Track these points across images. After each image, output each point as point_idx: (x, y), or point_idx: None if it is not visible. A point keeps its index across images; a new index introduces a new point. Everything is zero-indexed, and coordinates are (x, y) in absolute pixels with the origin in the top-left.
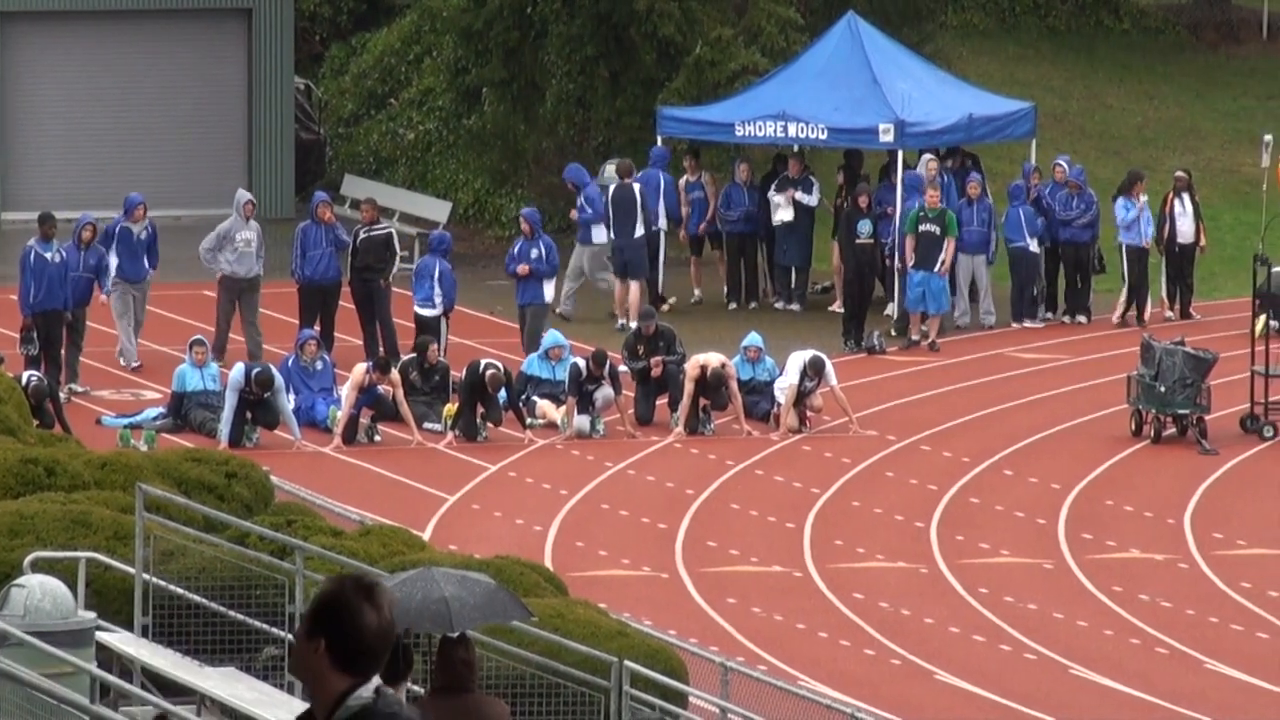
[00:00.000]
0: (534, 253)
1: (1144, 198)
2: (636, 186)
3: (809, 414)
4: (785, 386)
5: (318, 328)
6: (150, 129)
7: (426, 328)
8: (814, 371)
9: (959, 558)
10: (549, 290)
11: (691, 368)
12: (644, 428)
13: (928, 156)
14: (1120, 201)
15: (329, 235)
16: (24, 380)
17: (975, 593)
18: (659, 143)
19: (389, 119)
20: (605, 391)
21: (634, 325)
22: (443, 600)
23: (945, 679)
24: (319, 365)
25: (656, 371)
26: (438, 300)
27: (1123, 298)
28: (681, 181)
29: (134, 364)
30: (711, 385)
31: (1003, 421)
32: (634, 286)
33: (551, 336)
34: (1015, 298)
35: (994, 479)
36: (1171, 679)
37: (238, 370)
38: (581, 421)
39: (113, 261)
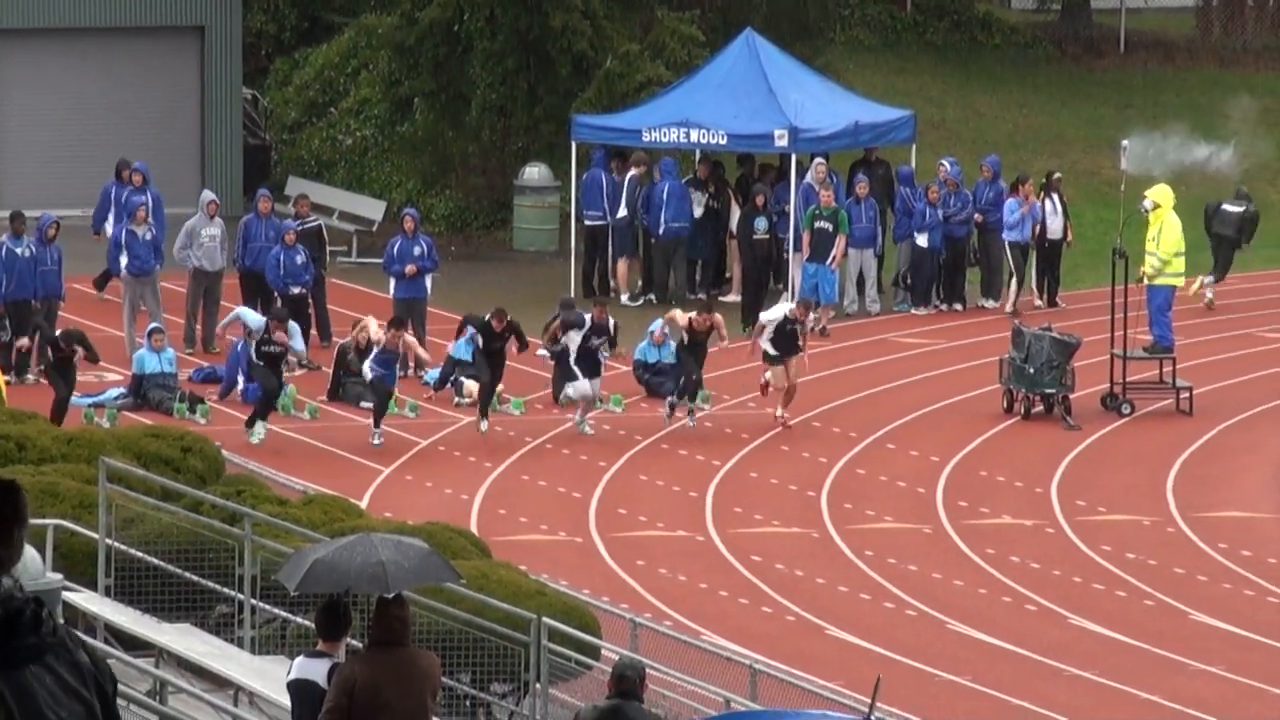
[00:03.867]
0: (416, 250)
1: (1031, 198)
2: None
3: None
4: (767, 320)
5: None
6: (113, 135)
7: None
8: (804, 309)
9: (847, 524)
10: (429, 285)
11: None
12: (556, 407)
13: (819, 161)
14: (1009, 202)
15: (269, 228)
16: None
17: (862, 555)
18: (573, 148)
19: (329, 126)
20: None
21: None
22: (380, 563)
23: (835, 634)
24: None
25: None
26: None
27: (1011, 289)
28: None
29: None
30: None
31: (887, 400)
32: (623, 264)
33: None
34: (901, 287)
35: (879, 452)
36: (1039, 633)
37: (251, 318)
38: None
39: (123, 260)
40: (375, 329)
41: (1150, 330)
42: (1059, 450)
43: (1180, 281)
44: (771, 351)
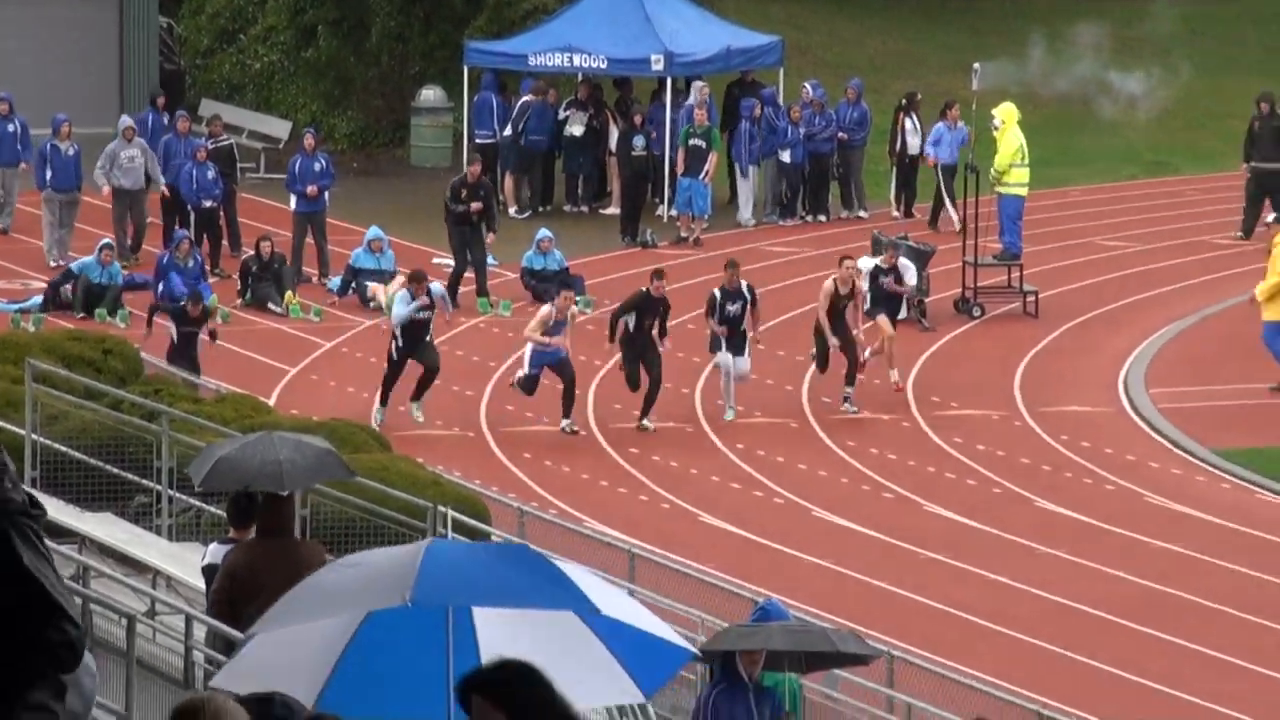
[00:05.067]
0: (316, 166)
1: (960, 123)
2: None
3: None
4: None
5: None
6: (37, 63)
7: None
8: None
9: (719, 419)
10: (327, 198)
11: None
12: (456, 312)
13: (699, 84)
14: (937, 126)
15: (188, 146)
16: None
17: (733, 448)
18: (464, 72)
19: (239, 52)
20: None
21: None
22: (277, 463)
23: (709, 520)
24: (190, 263)
25: (475, 207)
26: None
27: (949, 204)
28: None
29: (54, 263)
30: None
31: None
32: (510, 178)
33: (372, 230)
34: (769, 201)
35: (753, 353)
36: (895, 518)
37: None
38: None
39: (47, 174)
40: (546, 309)
41: (1000, 239)
42: (915, 350)
43: (1024, 192)
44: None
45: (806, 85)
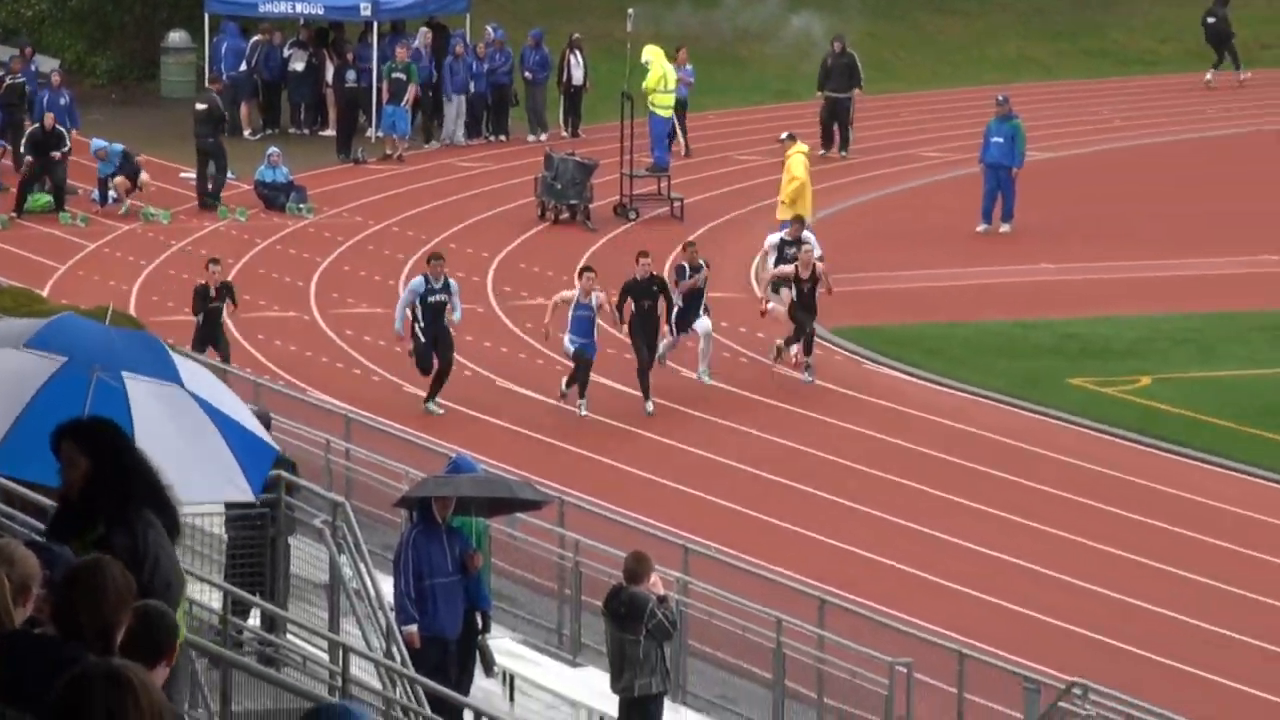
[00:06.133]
0: (62, 100)
1: (688, 65)
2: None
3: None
4: (769, 245)
5: None
6: None
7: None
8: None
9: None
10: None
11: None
12: (208, 210)
13: (424, 30)
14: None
15: None
16: None
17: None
18: (205, 18)
19: (13, 1)
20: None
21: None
22: None
23: (410, 389)
24: None
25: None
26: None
27: (680, 134)
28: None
29: None
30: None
31: (450, 210)
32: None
33: (96, 143)
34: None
35: (444, 249)
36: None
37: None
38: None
39: None
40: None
41: (651, 153)
42: (581, 247)
43: (669, 114)
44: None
45: (489, 27)
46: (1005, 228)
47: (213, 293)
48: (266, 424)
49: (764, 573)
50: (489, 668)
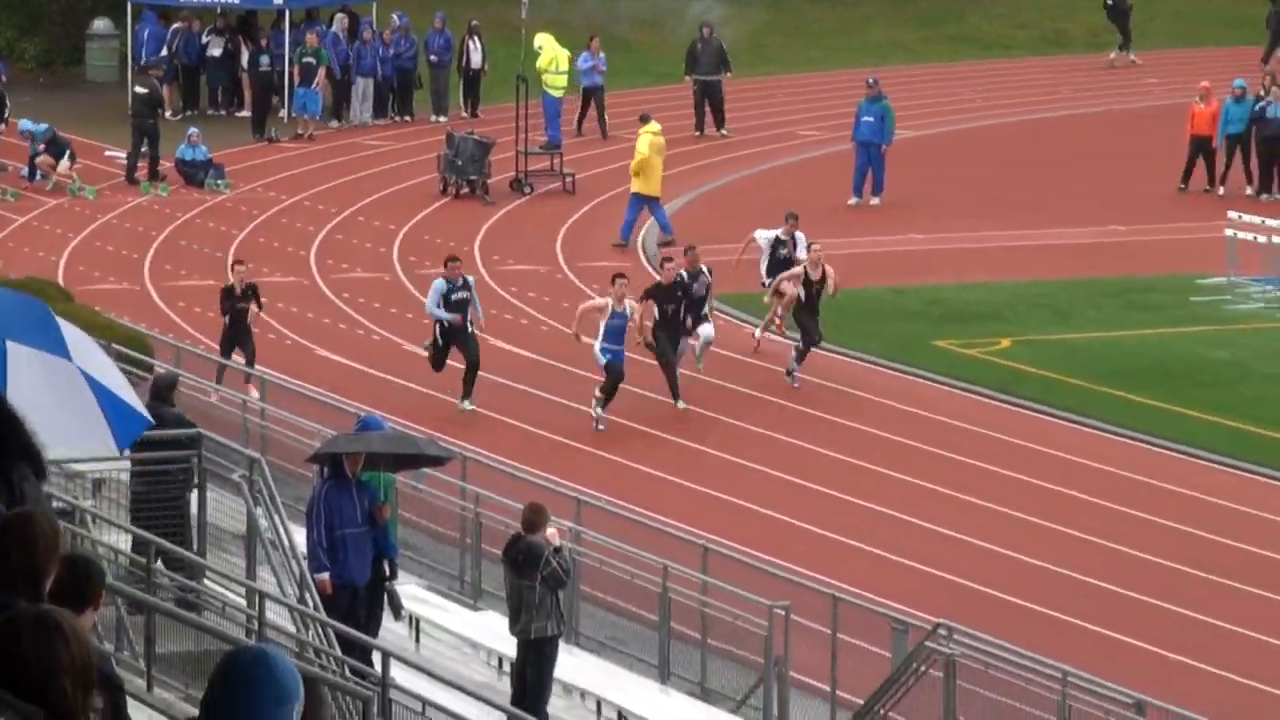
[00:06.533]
0: None
1: (601, 53)
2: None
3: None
4: (763, 240)
5: None
6: None
7: None
8: (787, 235)
9: (330, 274)
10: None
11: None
12: (131, 186)
13: (340, 15)
14: (583, 54)
15: None
16: None
17: (340, 297)
18: (129, 6)
19: None
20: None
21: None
22: None
23: (325, 354)
24: None
25: None
26: None
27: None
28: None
29: None
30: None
31: (358, 186)
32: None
33: (22, 123)
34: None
35: (353, 222)
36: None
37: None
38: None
39: None
40: (599, 300)
41: (546, 131)
42: (480, 220)
43: (560, 94)
44: (765, 280)
45: (395, 15)
46: (875, 201)
47: (238, 293)
48: (172, 386)
49: (651, 523)
50: (396, 611)
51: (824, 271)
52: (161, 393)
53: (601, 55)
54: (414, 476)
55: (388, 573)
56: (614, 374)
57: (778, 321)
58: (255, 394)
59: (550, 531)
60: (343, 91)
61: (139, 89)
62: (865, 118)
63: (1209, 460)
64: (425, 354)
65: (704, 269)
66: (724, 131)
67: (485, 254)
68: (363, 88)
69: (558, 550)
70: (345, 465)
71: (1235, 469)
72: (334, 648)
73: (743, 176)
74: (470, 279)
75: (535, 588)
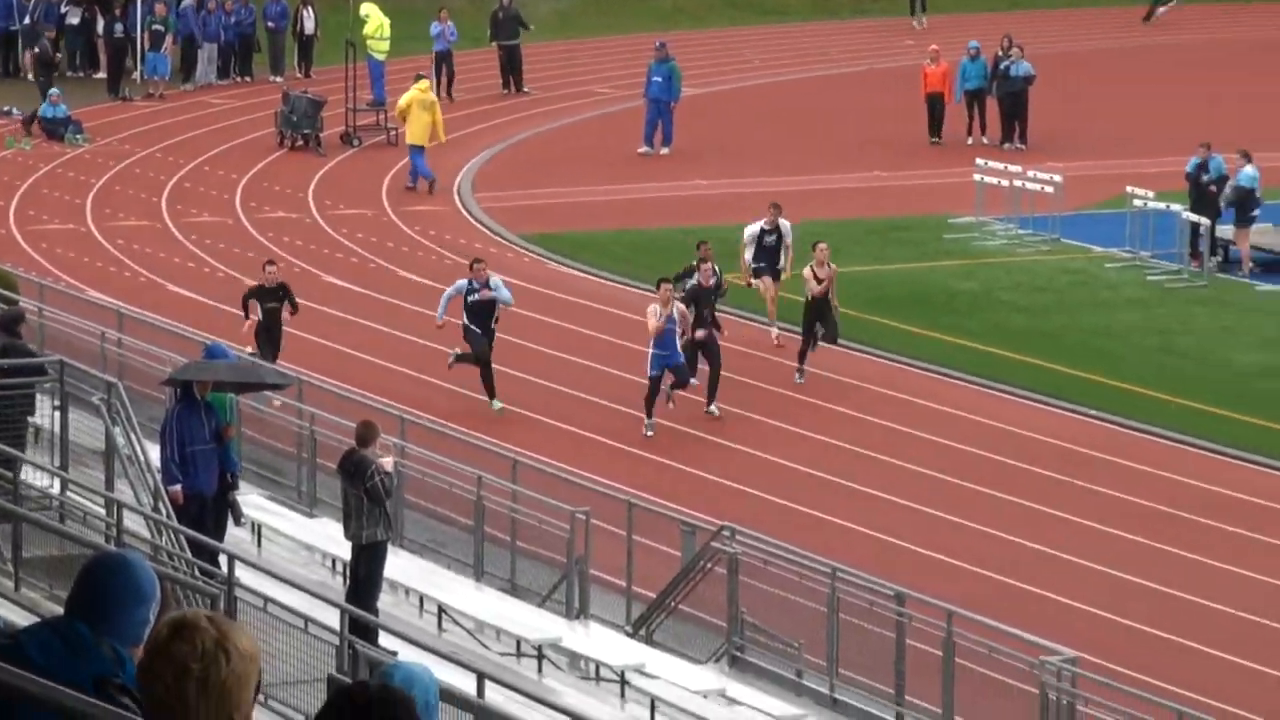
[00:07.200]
0: None
1: (449, 22)
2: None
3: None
4: (749, 237)
5: None
6: None
7: None
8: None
9: (180, 218)
10: None
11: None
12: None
13: None
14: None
15: None
16: None
17: (188, 239)
18: None
19: None
20: None
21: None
22: None
23: (174, 289)
24: None
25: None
26: None
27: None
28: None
29: None
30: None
31: (204, 140)
32: (28, 54)
33: None
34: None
35: (199, 172)
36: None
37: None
38: None
39: None
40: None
41: (371, 90)
42: (313, 170)
43: (383, 57)
44: (753, 264)
45: None
46: (665, 150)
47: (269, 289)
48: (18, 320)
49: (467, 438)
50: (237, 519)
51: (830, 270)
52: (8, 326)
53: (450, 24)
54: (258, 399)
55: (231, 484)
56: (653, 389)
57: (771, 309)
58: (278, 402)
59: (386, 460)
60: (189, 55)
61: (35, 49)
62: (655, 77)
63: (959, 379)
64: (455, 363)
65: (717, 271)
66: (526, 90)
67: (318, 200)
68: (208, 52)
69: (387, 473)
70: (195, 389)
71: (981, 386)
72: (185, 551)
73: (546, 130)
74: (494, 278)
75: (364, 497)
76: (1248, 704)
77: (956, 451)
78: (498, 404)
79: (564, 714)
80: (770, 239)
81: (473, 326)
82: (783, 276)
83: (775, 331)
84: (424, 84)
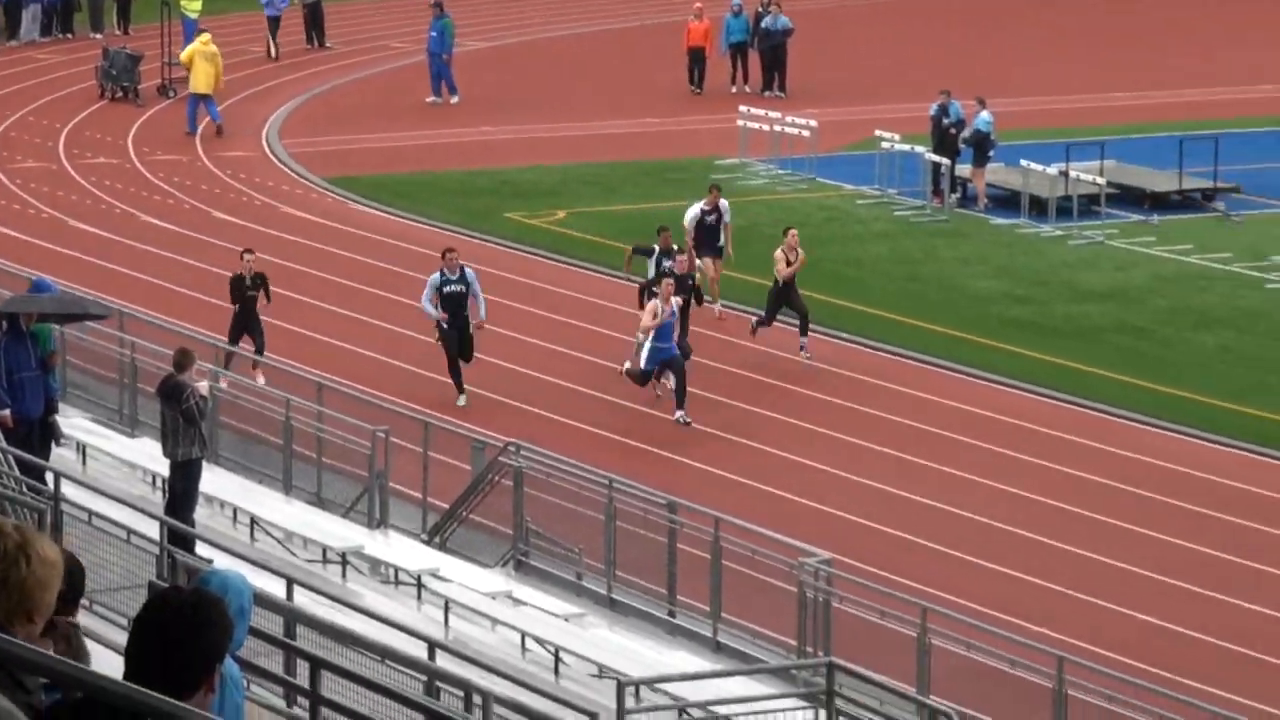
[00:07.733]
0: None
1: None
2: None
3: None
4: (689, 221)
5: None
6: None
7: None
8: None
9: (6, 164)
10: None
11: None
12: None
13: None
14: None
15: None
16: None
17: (14, 183)
18: None
19: None
20: None
21: None
22: None
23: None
24: None
25: None
26: None
27: (273, 42)
28: None
29: None
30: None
31: (29, 92)
32: None
33: None
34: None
35: (24, 122)
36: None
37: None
38: None
39: None
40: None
41: (184, 46)
42: (132, 119)
43: (196, 16)
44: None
45: None
46: (455, 100)
47: (248, 282)
48: None
49: (276, 364)
50: (57, 440)
51: (799, 256)
52: None
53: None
54: (81, 329)
55: (53, 408)
56: (644, 380)
57: (714, 288)
58: (262, 380)
59: (202, 385)
60: (13, 14)
61: None
62: (432, 33)
63: (732, 308)
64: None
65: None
66: (328, 45)
67: (137, 147)
68: (32, 11)
69: (203, 396)
70: (21, 320)
71: (742, 313)
72: (14, 469)
73: (346, 81)
74: (469, 271)
75: (180, 418)
76: (979, 598)
77: (735, 376)
78: (463, 399)
79: (366, 615)
80: (710, 218)
81: (446, 324)
82: (724, 254)
83: (718, 308)
84: (205, 36)
